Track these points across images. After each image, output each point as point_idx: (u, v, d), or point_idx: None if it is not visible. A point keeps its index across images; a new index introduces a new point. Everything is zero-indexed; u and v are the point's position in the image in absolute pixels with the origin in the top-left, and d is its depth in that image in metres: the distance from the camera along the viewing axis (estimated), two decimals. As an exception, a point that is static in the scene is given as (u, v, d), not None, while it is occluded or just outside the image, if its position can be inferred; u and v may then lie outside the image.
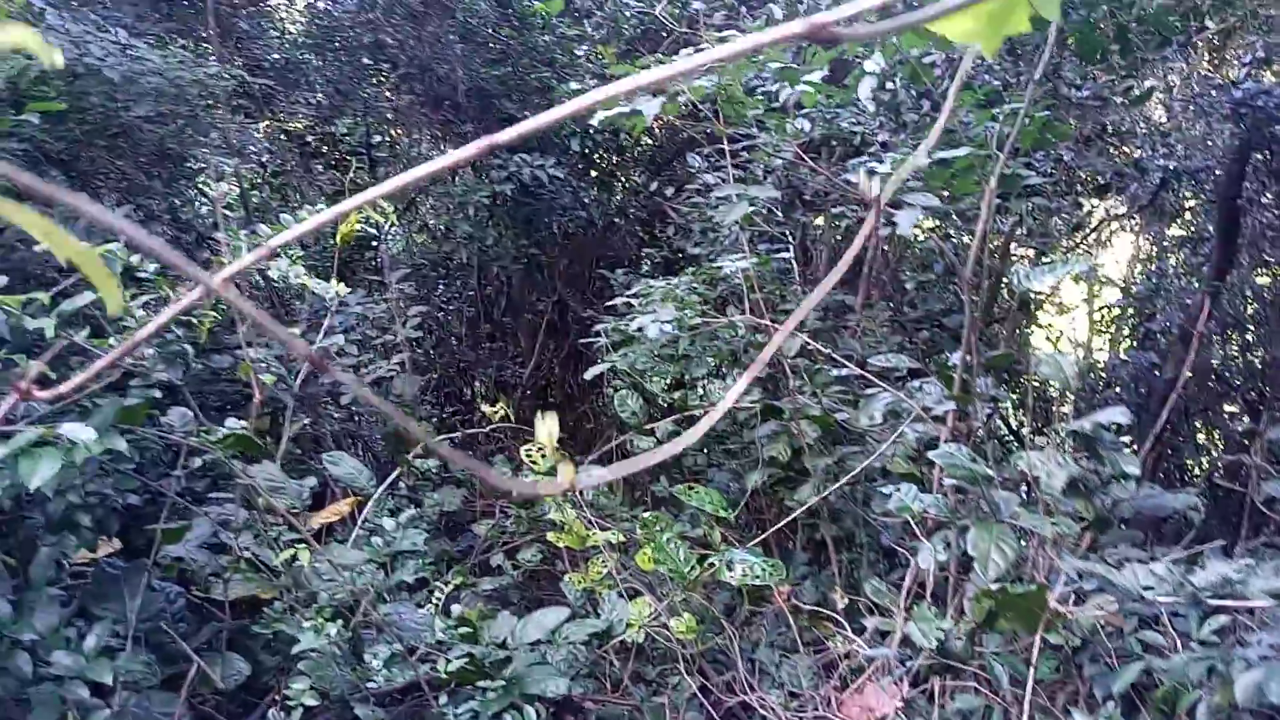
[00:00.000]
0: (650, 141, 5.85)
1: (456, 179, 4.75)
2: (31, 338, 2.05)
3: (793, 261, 4.76)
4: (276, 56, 5.19)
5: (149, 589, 2.34)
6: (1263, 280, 5.41)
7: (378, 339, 3.94)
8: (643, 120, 3.21)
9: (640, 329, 3.93)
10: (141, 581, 2.35)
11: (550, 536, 3.44)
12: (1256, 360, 5.03)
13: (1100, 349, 5.79)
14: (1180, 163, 5.04)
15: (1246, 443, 4.32)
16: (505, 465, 3.71)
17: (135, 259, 2.36)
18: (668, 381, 4.38)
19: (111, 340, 2.22)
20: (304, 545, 2.35)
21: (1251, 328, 5.09)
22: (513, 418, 3.82)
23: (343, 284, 2.77)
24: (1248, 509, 4.13)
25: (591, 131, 4.88)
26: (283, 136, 5.38)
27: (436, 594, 3.15)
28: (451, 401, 5.35)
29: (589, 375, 4.01)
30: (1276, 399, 4.78)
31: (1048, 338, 5.92)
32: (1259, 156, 4.87)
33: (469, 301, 5.64)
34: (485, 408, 3.49)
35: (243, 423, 2.31)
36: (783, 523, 3.34)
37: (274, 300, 4.14)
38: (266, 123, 5.30)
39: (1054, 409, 5.04)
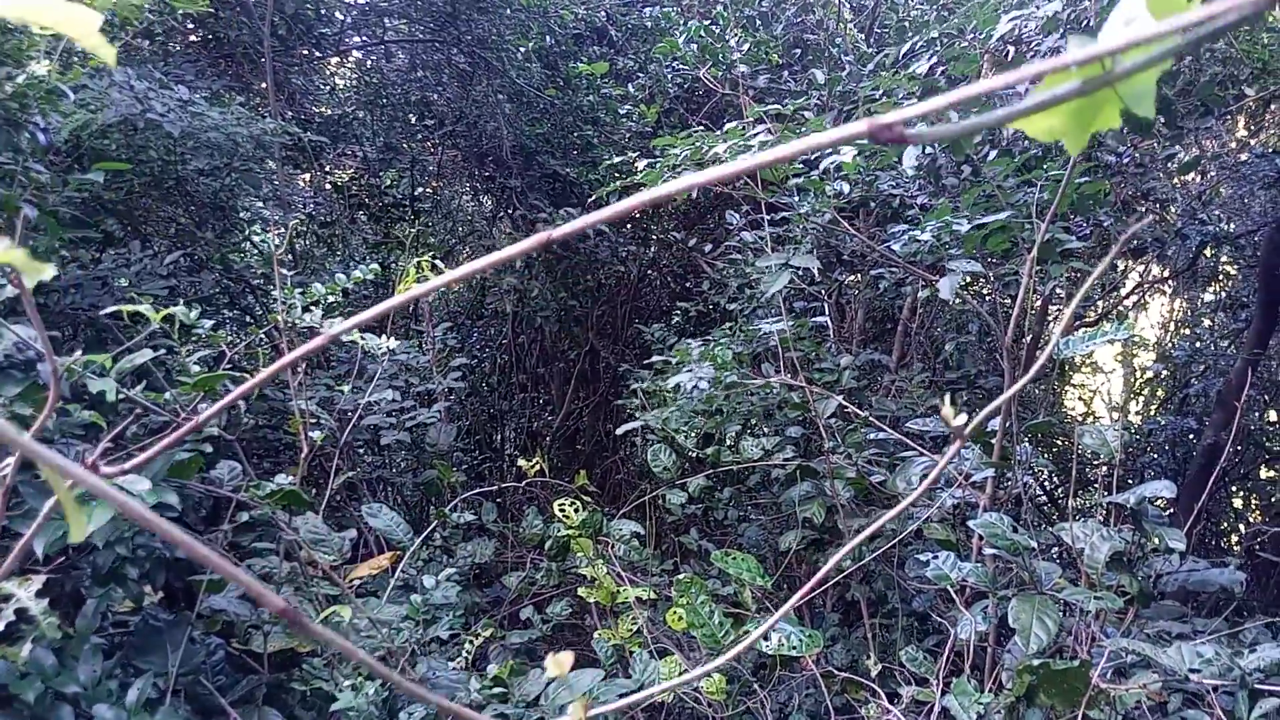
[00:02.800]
0: (687, 197, 5.93)
1: (501, 233, 4.83)
2: (91, 398, 2.11)
3: (828, 320, 4.79)
4: (327, 111, 5.35)
5: (190, 641, 2.37)
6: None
7: (419, 386, 3.99)
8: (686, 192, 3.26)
9: (677, 386, 3.96)
10: (184, 634, 2.38)
11: (581, 592, 3.44)
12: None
13: (1137, 413, 5.73)
14: (1218, 227, 5.03)
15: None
16: (536, 517, 3.72)
17: (193, 315, 2.43)
18: (700, 436, 4.39)
19: (167, 395, 2.28)
20: (344, 601, 2.37)
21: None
22: (545, 468, 3.85)
23: (392, 338, 2.82)
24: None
25: (630, 187, 4.96)
26: (329, 187, 5.52)
27: (467, 647, 3.15)
28: (482, 449, 5.39)
29: (622, 431, 4.03)
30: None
31: (1081, 399, 5.87)
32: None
33: (503, 350, 5.71)
34: (521, 461, 3.52)
35: (290, 478, 2.35)
36: (819, 588, 3.30)
37: (325, 349, 4.21)
38: (314, 174, 5.44)
39: (1090, 476, 4.98)
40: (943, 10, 4.73)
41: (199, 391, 2.46)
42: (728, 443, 4.29)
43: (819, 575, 0.84)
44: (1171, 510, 4.69)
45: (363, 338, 2.59)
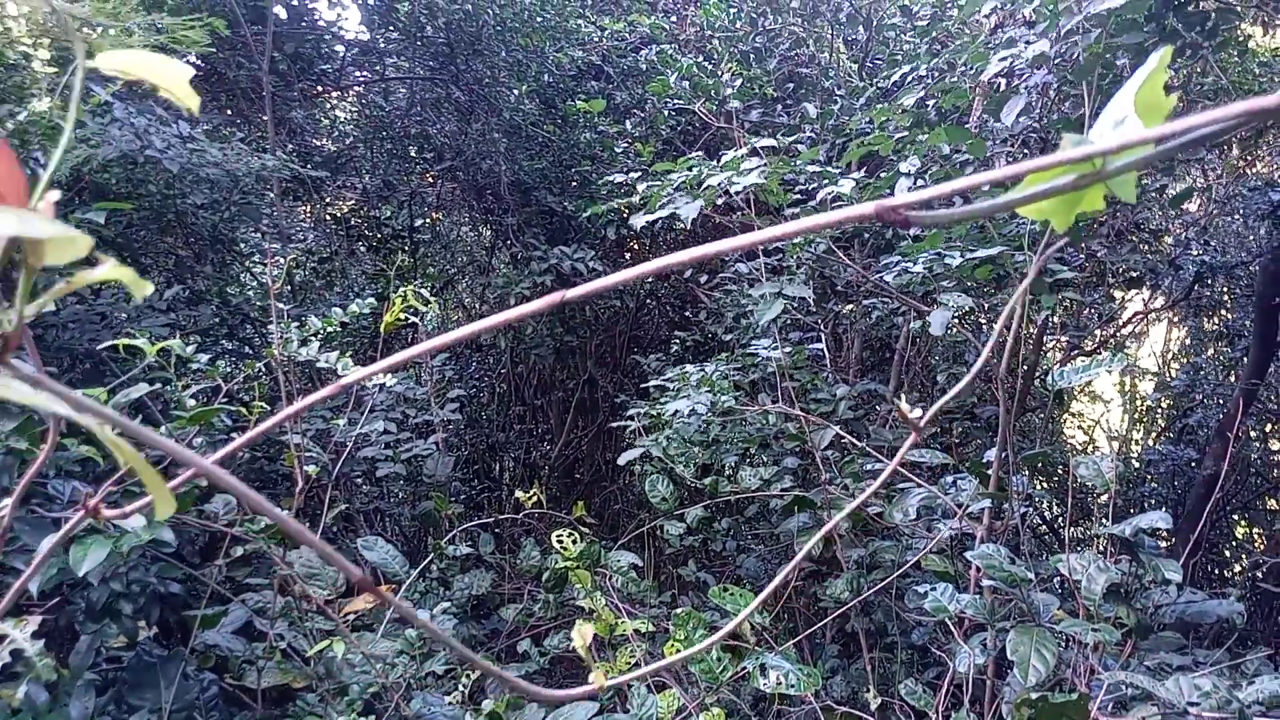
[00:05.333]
0: (683, 228, 5.98)
1: (499, 269, 4.87)
2: (87, 433, 2.12)
3: (825, 350, 4.81)
4: (328, 145, 5.40)
5: (184, 677, 2.36)
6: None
7: (415, 418, 4.00)
8: (683, 221, 3.29)
9: (675, 412, 3.97)
10: (178, 670, 2.37)
11: (578, 626, 3.42)
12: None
13: (1136, 442, 5.73)
14: (1215, 258, 5.06)
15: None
16: (534, 548, 3.71)
17: (188, 349, 2.45)
18: (698, 467, 4.39)
19: (162, 429, 2.28)
20: (337, 636, 2.36)
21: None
22: (543, 500, 3.84)
23: (390, 374, 2.84)
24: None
25: (627, 220, 5.01)
26: (327, 219, 5.56)
27: (463, 681, 3.13)
28: (481, 479, 5.38)
29: (622, 460, 4.04)
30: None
31: (1082, 428, 5.87)
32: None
33: (501, 380, 5.72)
34: (519, 493, 3.51)
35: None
36: (818, 624, 3.29)
37: (313, 379, 4.23)
38: (313, 206, 5.49)
39: (1091, 504, 4.97)
40: (934, 44, 4.80)
41: (195, 425, 2.47)
42: (726, 473, 4.29)
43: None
44: (1172, 541, 4.68)
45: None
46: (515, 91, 4.72)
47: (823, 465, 3.78)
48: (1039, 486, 3.56)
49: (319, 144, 5.62)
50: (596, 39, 4.92)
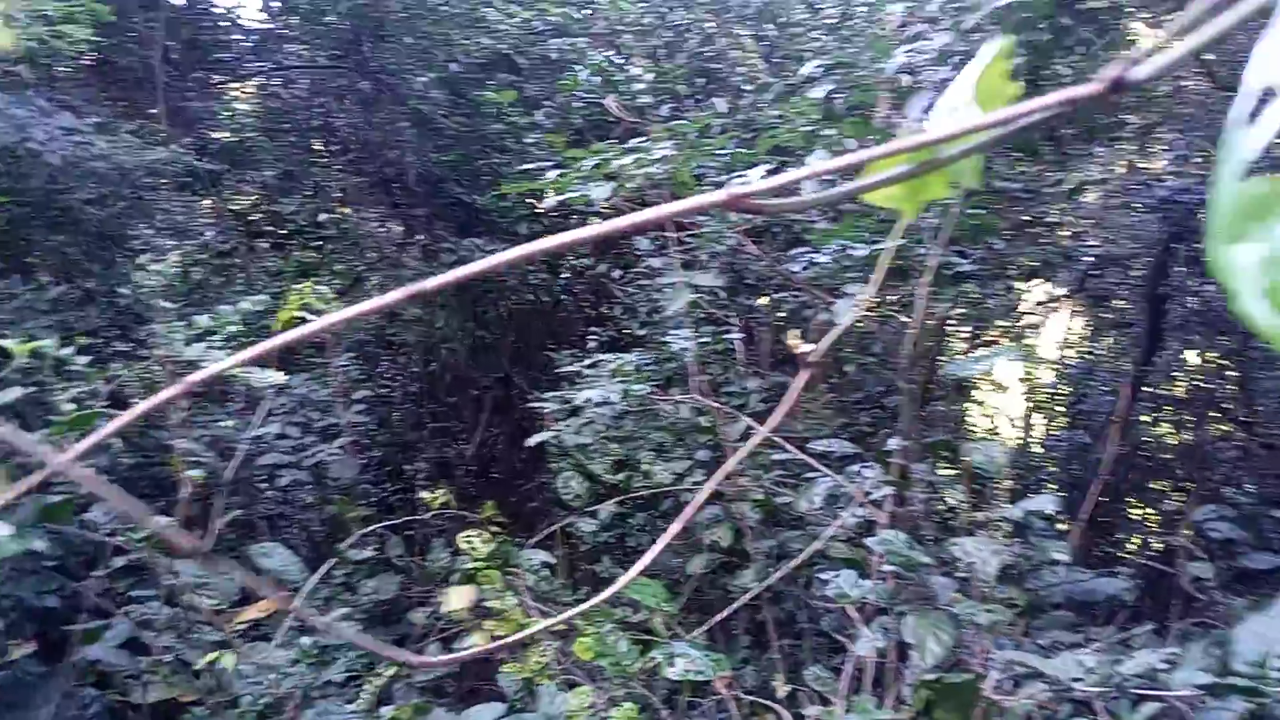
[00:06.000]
0: (598, 222, 5.95)
1: (409, 264, 4.78)
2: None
3: (739, 343, 4.84)
4: (226, 137, 5.23)
5: (65, 695, 2.25)
6: (1192, 363, 5.62)
7: (319, 421, 3.90)
8: (590, 201, 3.29)
9: (587, 400, 3.96)
10: (59, 687, 2.26)
11: (488, 625, 3.38)
12: (1184, 440, 5.20)
13: (1038, 427, 5.95)
14: (1108, 250, 5.27)
15: (1175, 523, 4.44)
16: (443, 550, 3.66)
17: (66, 351, 2.33)
18: (612, 462, 4.39)
19: (34, 436, 2.17)
20: (228, 647, 2.29)
21: (1179, 410, 5.27)
22: (454, 501, 3.79)
23: (281, 372, 2.75)
24: (1179, 590, 4.22)
25: (539, 214, 4.97)
26: (228, 213, 5.38)
27: (368, 689, 3.07)
28: (393, 480, 5.28)
29: (531, 442, 4.01)
30: (1203, 479, 4.93)
31: (986, 415, 6.05)
32: (1182, 247, 5.12)
33: (413, 379, 5.62)
34: (424, 494, 3.45)
35: (170, 519, 2.27)
36: (726, 612, 3.32)
37: (218, 382, 4.09)
38: (211, 201, 5.30)
39: (988, 491, 5.13)
40: (842, 41, 4.88)
41: (75, 431, 2.35)
42: (641, 468, 4.29)
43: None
44: (1068, 522, 4.86)
45: (248, 372, 2.52)
46: (422, 80, 4.63)
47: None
48: (944, 473, 3.67)
49: (218, 136, 5.43)
50: (505, 28, 4.85)
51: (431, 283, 0.56)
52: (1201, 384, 5.31)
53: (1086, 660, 2.47)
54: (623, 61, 4.90)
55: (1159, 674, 2.43)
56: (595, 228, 0.56)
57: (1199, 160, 5.12)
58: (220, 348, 2.83)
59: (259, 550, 2.92)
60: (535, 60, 5.09)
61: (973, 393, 5.28)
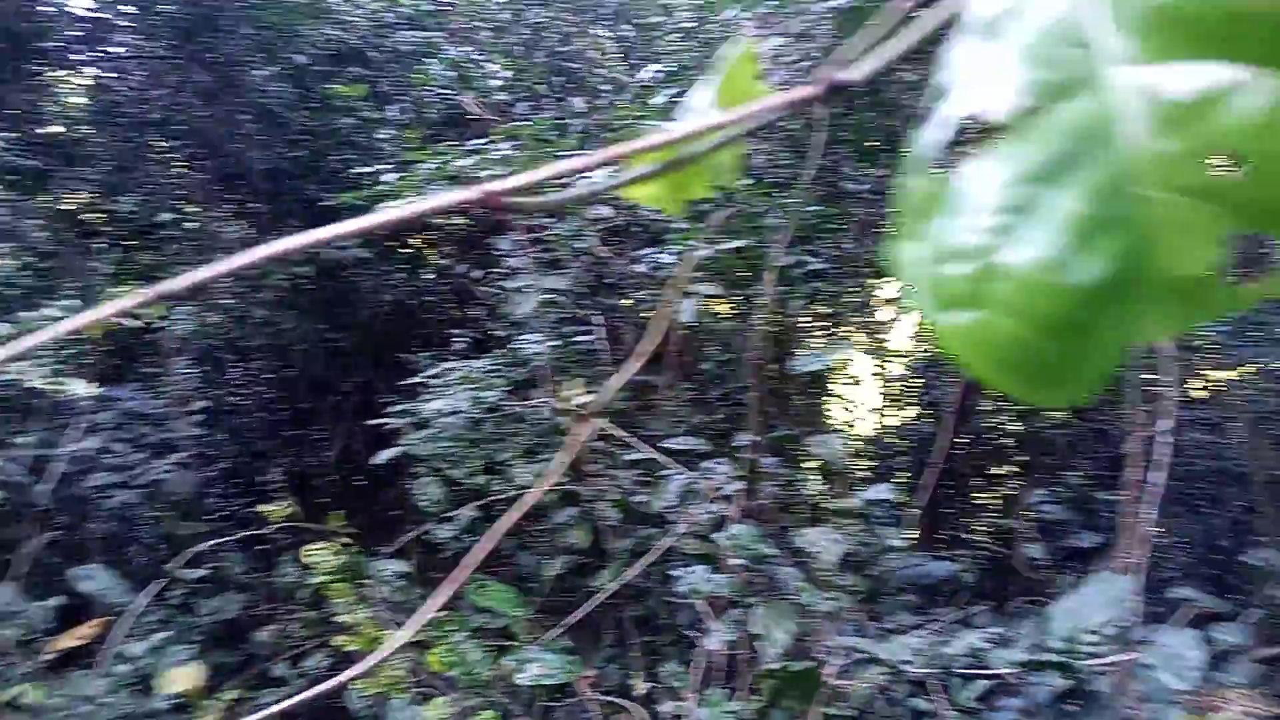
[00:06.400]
0: (461, 221, 5.84)
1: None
2: None
3: (603, 343, 4.84)
4: (55, 131, 4.88)
5: None
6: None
7: (152, 436, 3.67)
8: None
9: (436, 411, 3.88)
10: None
11: (338, 640, 3.27)
12: (1021, 428, 5.52)
13: (891, 418, 6.22)
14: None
15: (1011, 506, 4.71)
16: (290, 565, 3.52)
17: None
18: (473, 467, 4.31)
19: None
20: (34, 680, 2.13)
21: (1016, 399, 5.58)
22: (302, 514, 3.64)
23: (95, 382, 2.58)
24: (1016, 570, 4.48)
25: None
26: (56, 213, 5.02)
27: (211, 715, 2.92)
28: (245, 493, 5.04)
29: (382, 459, 3.89)
30: (1039, 464, 5.25)
31: (845, 409, 6.27)
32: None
33: (267, 385, 5.38)
34: (264, 508, 3.31)
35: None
36: (580, 613, 3.32)
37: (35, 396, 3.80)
38: (39, 200, 4.94)
39: (838, 482, 5.33)
40: (695, 43, 4.95)
41: None
42: (502, 472, 4.24)
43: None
44: (917, 509, 5.09)
45: (50, 383, 2.34)
46: (264, 72, 4.43)
47: (590, 456, 3.81)
48: (796, 466, 3.79)
49: (49, 131, 5.06)
50: (354, 19, 4.70)
51: (167, 285, 0.52)
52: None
53: (913, 642, 2.59)
54: (481, 58, 4.82)
55: (981, 653, 2.57)
56: (358, 220, 0.54)
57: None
58: (34, 358, 2.63)
59: (79, 573, 2.74)
60: (388, 54, 4.95)
61: (829, 387, 5.47)
